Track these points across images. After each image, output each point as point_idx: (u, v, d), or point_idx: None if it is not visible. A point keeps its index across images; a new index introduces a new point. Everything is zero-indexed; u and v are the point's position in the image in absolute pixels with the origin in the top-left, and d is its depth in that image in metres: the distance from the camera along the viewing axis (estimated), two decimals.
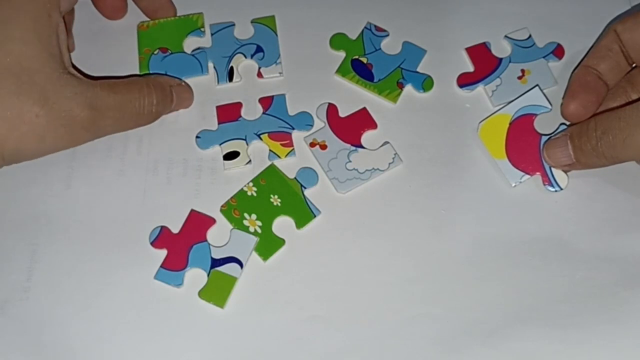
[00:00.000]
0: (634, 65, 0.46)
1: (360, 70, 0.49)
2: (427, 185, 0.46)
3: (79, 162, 0.47)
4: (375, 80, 0.49)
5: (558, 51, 0.50)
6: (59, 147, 0.42)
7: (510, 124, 0.47)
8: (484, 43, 0.50)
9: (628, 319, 0.42)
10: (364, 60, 0.50)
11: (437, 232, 0.45)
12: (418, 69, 0.49)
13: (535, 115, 0.47)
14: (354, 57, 0.50)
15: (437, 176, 0.46)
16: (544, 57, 0.50)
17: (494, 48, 0.50)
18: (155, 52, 0.49)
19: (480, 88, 0.49)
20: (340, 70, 0.49)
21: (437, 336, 0.42)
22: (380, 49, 0.50)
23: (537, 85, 0.48)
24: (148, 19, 0.51)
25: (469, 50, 0.50)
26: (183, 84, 0.48)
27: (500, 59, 0.50)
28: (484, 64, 0.50)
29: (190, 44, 0.50)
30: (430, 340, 0.42)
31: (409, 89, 0.49)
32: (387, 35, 0.51)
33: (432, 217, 0.45)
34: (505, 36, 0.50)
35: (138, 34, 0.50)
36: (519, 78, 0.49)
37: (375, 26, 0.51)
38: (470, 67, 0.50)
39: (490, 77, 0.49)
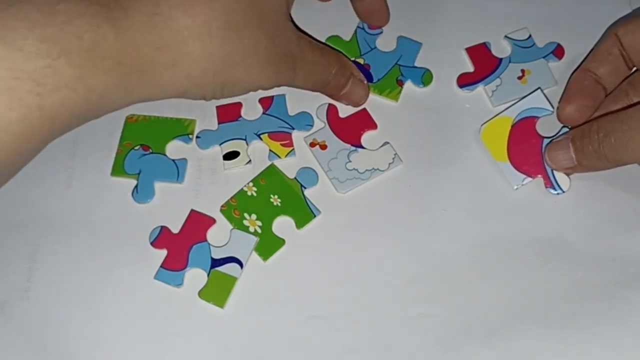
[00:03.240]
0: (634, 68, 0.46)
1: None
2: (427, 185, 0.46)
3: (79, 162, 0.47)
4: (374, 81, 0.49)
5: (558, 51, 0.50)
6: (268, 83, 0.42)
7: (512, 126, 0.47)
8: (484, 43, 0.50)
9: (628, 319, 0.42)
10: (361, 61, 0.50)
11: (437, 232, 0.45)
12: (415, 64, 0.49)
13: (537, 117, 0.47)
14: (351, 60, 0.50)
15: (437, 176, 0.46)
16: (544, 57, 0.50)
17: (494, 48, 0.50)
18: (136, 148, 0.47)
19: (480, 88, 0.49)
20: None
21: (437, 336, 0.42)
22: (375, 47, 0.50)
23: (539, 87, 0.48)
24: (138, 114, 0.48)
25: (469, 50, 0.50)
26: (364, 81, 0.48)
27: (500, 59, 0.50)
28: (484, 64, 0.49)
29: (174, 148, 0.47)
30: (430, 340, 0.42)
31: (409, 85, 0.49)
32: (381, 32, 0.50)
33: (432, 217, 0.45)
34: (505, 36, 0.50)
35: (124, 125, 0.47)
36: (519, 78, 0.49)
37: (368, 25, 0.51)
38: (470, 67, 0.50)
39: (490, 77, 0.49)
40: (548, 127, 0.47)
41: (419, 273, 0.43)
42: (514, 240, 0.44)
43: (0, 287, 0.43)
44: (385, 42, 0.50)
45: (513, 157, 0.46)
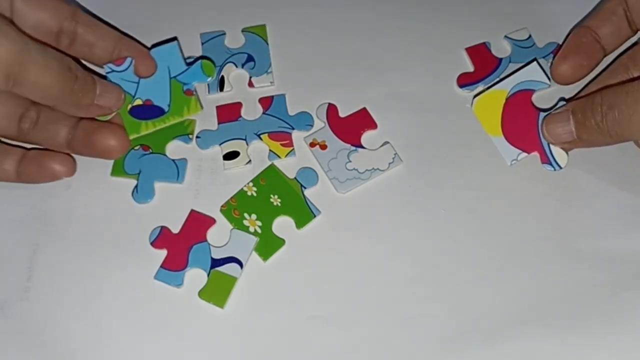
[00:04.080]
0: (637, 31, 0.45)
1: (145, 113, 0.46)
2: (427, 185, 0.46)
3: (79, 162, 0.47)
4: (167, 110, 0.46)
5: (558, 51, 0.50)
6: None
7: (506, 99, 0.46)
8: (484, 43, 0.50)
9: (628, 319, 0.42)
10: (139, 102, 0.46)
11: (437, 232, 0.45)
12: (185, 65, 0.47)
13: (534, 91, 0.46)
14: (130, 107, 0.46)
15: (437, 176, 0.46)
16: (544, 57, 0.49)
17: (494, 48, 0.50)
18: (136, 148, 0.46)
19: (480, 88, 0.49)
20: (131, 130, 0.45)
21: (437, 336, 0.42)
22: (139, 80, 0.46)
23: (535, 58, 0.47)
24: None
25: (469, 50, 0.50)
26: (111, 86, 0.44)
27: (500, 59, 0.50)
28: (484, 64, 0.50)
29: (174, 148, 0.47)
30: (430, 340, 0.42)
31: (200, 87, 0.47)
32: (127, 63, 0.45)
33: (432, 217, 0.45)
34: (505, 36, 0.50)
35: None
36: None
37: (112, 63, 0.45)
38: (470, 67, 0.50)
39: (490, 77, 0.49)
40: (545, 99, 0.46)
41: (419, 273, 0.43)
42: (514, 240, 0.44)
43: (0, 287, 0.43)
44: (141, 68, 0.46)
45: (507, 131, 0.45)
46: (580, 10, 0.51)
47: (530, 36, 0.50)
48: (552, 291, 0.43)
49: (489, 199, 0.45)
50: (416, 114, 0.48)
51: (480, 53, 0.50)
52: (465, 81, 0.49)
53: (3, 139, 0.45)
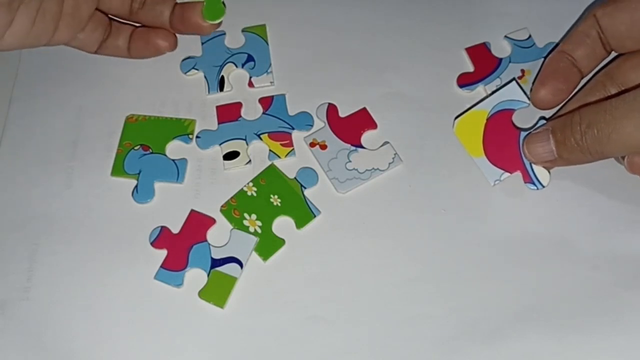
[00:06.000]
0: (611, 52, 0.45)
1: None
2: (427, 185, 0.46)
3: (79, 162, 0.47)
4: None
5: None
6: None
7: (487, 120, 0.46)
8: (484, 43, 0.50)
9: (628, 319, 0.42)
10: None
11: (437, 232, 0.45)
12: None
13: (514, 110, 0.46)
14: None
15: (437, 176, 0.46)
16: (544, 57, 0.49)
17: (494, 48, 0.50)
18: (136, 148, 0.47)
19: (480, 88, 0.49)
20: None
21: (437, 336, 0.42)
22: None
23: (514, 78, 0.48)
24: (138, 114, 0.48)
25: (469, 50, 0.50)
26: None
27: (500, 59, 0.50)
28: (484, 64, 0.49)
29: (174, 148, 0.47)
30: (430, 340, 0.42)
31: None
32: None
33: (432, 217, 0.45)
34: (505, 36, 0.50)
35: (124, 125, 0.48)
36: (519, 78, 0.49)
37: None
38: (470, 67, 0.50)
39: (490, 77, 0.49)
40: (525, 118, 0.46)
41: (419, 273, 0.43)
42: (513, 240, 0.44)
43: (0, 287, 0.43)
44: None
45: (489, 151, 0.45)
46: (579, 10, 0.51)
47: (530, 36, 0.50)
48: (552, 291, 0.43)
49: (489, 199, 0.45)
50: (416, 114, 0.48)
51: (480, 53, 0.50)
52: (465, 81, 0.49)
53: (116, 18, 0.50)
